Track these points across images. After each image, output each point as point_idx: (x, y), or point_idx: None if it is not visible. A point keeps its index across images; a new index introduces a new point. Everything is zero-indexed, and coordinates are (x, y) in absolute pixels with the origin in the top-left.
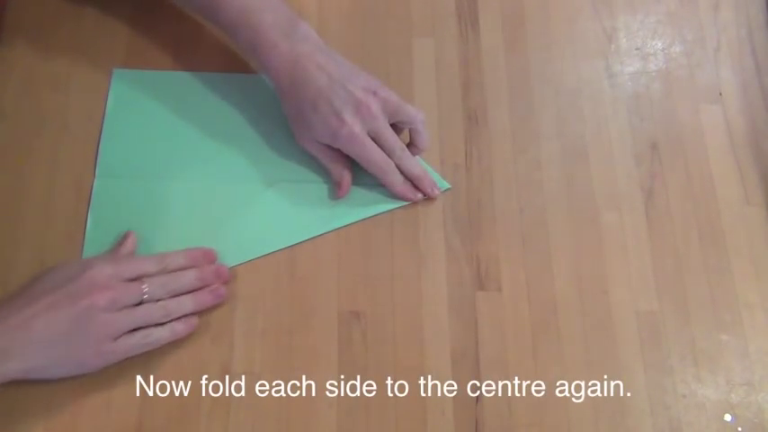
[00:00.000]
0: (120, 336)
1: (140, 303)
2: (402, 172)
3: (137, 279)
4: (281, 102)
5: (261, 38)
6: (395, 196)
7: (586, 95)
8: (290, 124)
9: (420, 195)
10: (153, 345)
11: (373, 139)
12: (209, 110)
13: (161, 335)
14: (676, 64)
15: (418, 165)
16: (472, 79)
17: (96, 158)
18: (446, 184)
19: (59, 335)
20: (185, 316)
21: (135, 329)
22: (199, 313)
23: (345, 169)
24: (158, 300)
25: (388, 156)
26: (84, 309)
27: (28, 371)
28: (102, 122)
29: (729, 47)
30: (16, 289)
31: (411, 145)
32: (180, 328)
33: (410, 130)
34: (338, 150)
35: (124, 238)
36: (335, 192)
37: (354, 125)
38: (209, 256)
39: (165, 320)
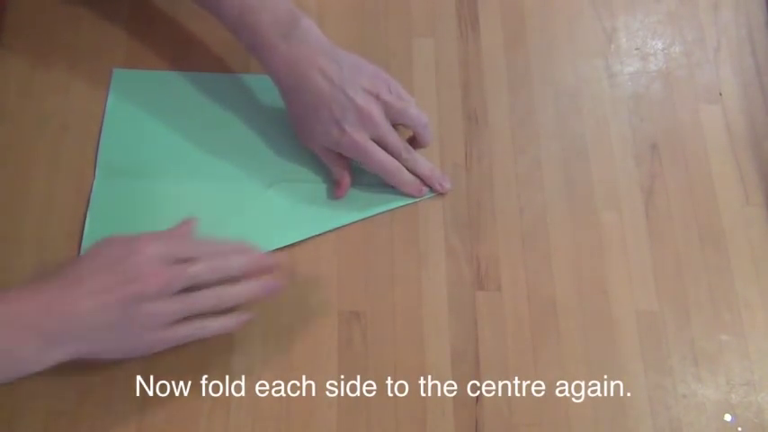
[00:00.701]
0: (171, 324)
1: (190, 288)
2: (409, 171)
3: (186, 261)
4: (284, 102)
5: (259, 40)
6: (403, 194)
7: (586, 95)
8: (293, 125)
9: (425, 190)
10: (202, 337)
11: (377, 143)
12: (208, 110)
13: (212, 327)
14: (676, 64)
15: (425, 163)
16: (472, 79)
17: (96, 158)
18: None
19: (108, 322)
20: (237, 311)
21: (186, 319)
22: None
23: (346, 170)
24: (206, 284)
25: (395, 158)
26: (133, 296)
27: (75, 355)
28: (102, 122)
29: (729, 47)
30: (53, 267)
31: (412, 142)
32: (231, 323)
33: (414, 131)
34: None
35: (183, 223)
36: (334, 191)
37: (355, 133)
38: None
39: (215, 309)
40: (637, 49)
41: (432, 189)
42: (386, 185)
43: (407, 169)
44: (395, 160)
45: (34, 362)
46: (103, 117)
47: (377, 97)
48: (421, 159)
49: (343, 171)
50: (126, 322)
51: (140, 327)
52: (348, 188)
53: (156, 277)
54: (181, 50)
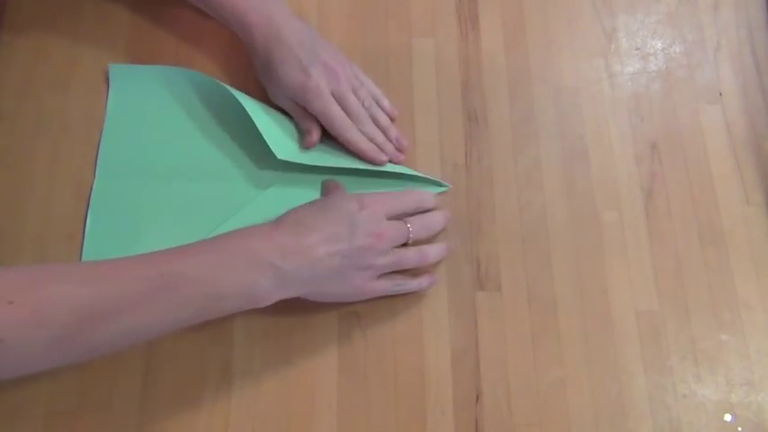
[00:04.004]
0: (379, 277)
1: (405, 244)
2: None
3: (399, 217)
4: (252, 58)
5: (237, 1)
6: (361, 156)
7: (586, 95)
8: (262, 80)
9: (385, 158)
10: (400, 292)
11: (338, 103)
12: (208, 105)
13: (410, 286)
14: (676, 64)
15: (380, 134)
16: (472, 79)
17: (96, 158)
18: (446, 184)
19: (333, 269)
20: (428, 273)
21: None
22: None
23: (314, 122)
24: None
25: (352, 120)
26: (363, 248)
27: (296, 295)
28: (103, 121)
29: (729, 47)
30: (284, 216)
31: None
32: (425, 282)
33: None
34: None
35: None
36: (304, 140)
37: (320, 80)
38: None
39: (417, 266)
40: (637, 49)
41: (387, 155)
42: (391, 180)
43: (364, 134)
44: (349, 120)
45: (264, 297)
46: (104, 116)
47: (341, 63)
48: (373, 128)
49: (311, 123)
50: (347, 271)
51: (356, 276)
52: (317, 141)
53: (385, 233)
54: (181, 49)
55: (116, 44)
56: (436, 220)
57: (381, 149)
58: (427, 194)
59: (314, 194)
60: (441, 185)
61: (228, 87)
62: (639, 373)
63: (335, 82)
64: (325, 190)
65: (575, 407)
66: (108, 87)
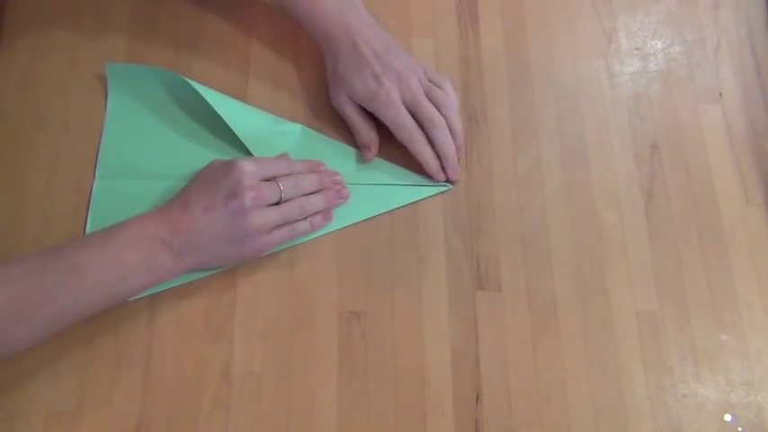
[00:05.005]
0: (271, 230)
1: (278, 202)
2: (433, 146)
3: (272, 179)
4: (326, 61)
5: (316, 8)
6: (424, 168)
7: (586, 95)
8: (330, 83)
9: (443, 177)
10: (296, 236)
11: (410, 110)
12: (208, 104)
13: (302, 227)
14: (676, 64)
15: (452, 145)
16: (472, 79)
17: (96, 158)
18: (447, 185)
19: (220, 233)
20: (319, 212)
21: (280, 225)
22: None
23: (374, 131)
24: (290, 199)
25: (423, 127)
26: (236, 209)
27: (199, 265)
28: (103, 121)
29: (729, 47)
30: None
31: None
32: (318, 219)
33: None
34: (370, 115)
35: (280, 155)
36: (363, 154)
37: (392, 89)
38: (321, 166)
39: (301, 217)
40: (637, 49)
41: (445, 173)
42: (392, 183)
43: (433, 142)
44: (420, 130)
45: (167, 271)
46: (105, 115)
47: (414, 71)
48: (447, 140)
49: (371, 132)
50: (234, 231)
51: (245, 235)
52: (376, 151)
53: (252, 191)
54: (182, 50)
55: (116, 45)
56: (307, 180)
57: (447, 165)
58: (299, 162)
59: None
60: (441, 185)
61: (218, 103)
62: (639, 373)
63: (407, 89)
64: None
65: (575, 407)
66: (106, 87)
